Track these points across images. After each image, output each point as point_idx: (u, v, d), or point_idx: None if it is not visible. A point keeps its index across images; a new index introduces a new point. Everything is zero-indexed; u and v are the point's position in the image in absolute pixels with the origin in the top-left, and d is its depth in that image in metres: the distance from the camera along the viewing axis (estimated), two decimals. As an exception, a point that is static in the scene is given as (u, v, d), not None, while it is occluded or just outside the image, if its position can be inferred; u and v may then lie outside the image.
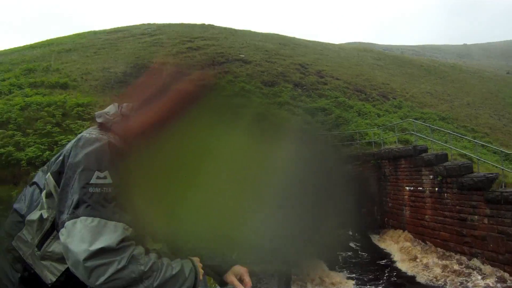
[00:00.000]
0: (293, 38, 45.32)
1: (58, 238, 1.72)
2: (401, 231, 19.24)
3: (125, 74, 24.49)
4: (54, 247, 1.90)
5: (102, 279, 1.60)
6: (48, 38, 37.60)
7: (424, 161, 17.38)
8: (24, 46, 35.10)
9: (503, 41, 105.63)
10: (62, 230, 1.65)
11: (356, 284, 14.75)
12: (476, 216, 14.36)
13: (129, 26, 41.17)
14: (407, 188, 18.70)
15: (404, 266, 16.45)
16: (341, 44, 58.37)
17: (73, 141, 1.93)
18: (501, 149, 16.33)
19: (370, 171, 21.26)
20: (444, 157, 17.02)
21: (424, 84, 36.16)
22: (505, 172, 14.30)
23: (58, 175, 1.87)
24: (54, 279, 1.92)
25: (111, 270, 1.60)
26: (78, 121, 17.11)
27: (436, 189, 16.63)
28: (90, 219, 1.62)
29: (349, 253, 18.52)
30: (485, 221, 13.94)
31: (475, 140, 19.39)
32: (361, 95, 30.26)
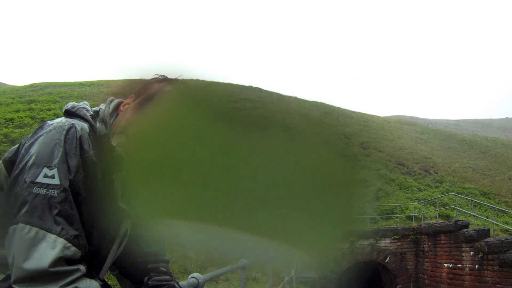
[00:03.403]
0: (338, 108, 45.68)
1: None
2: (438, 310, 18.65)
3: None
4: None
5: None
6: (100, 79, 39.52)
7: (465, 236, 17.01)
8: (74, 82, 37.01)
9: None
10: (6, 237, 1.33)
11: None
12: (517, 295, 13.83)
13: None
14: (446, 265, 18.21)
15: None
16: (385, 116, 58.75)
17: None
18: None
19: (409, 246, 21.00)
20: (486, 233, 16.69)
21: (466, 159, 36.03)
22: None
23: (10, 164, 1.49)
24: None
25: None
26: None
27: (476, 266, 16.19)
28: (27, 227, 1.29)
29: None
30: (528, 300, 13.40)
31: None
32: (403, 169, 30.47)
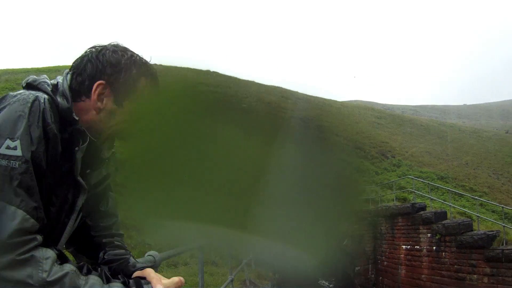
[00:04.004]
0: (296, 92, 45.91)
1: None
2: (396, 291, 18.85)
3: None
4: None
5: None
6: (58, 64, 38.46)
7: (422, 219, 17.22)
8: (31, 68, 36.24)
9: (501, 101, 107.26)
10: None
11: None
12: (475, 276, 14.03)
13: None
14: (404, 246, 18.43)
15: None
16: (343, 101, 59.17)
17: None
18: (502, 205, 16.27)
19: (367, 229, 21.15)
20: (443, 215, 16.88)
21: (424, 144, 36.55)
22: (506, 229, 14.05)
23: None
24: None
25: None
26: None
27: (434, 247, 16.39)
28: None
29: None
30: (485, 280, 13.60)
31: (475, 197, 19.39)
32: (360, 153, 30.58)
